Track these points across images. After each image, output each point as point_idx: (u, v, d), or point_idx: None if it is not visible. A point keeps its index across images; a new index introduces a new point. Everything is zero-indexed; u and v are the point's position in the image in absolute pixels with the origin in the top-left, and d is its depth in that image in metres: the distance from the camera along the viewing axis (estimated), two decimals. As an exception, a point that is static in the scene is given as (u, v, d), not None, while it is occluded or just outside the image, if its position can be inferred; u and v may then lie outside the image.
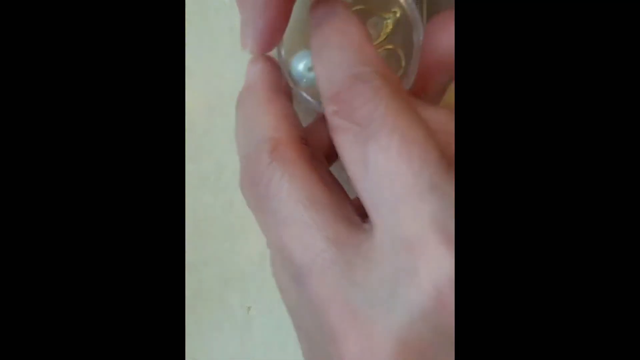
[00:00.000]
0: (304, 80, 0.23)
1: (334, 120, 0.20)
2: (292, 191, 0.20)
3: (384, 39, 0.25)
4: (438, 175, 0.18)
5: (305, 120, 0.23)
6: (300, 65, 0.23)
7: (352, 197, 0.21)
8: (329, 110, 0.20)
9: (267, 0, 0.21)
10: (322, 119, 0.22)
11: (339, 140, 0.20)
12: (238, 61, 0.26)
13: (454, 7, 0.25)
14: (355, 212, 0.20)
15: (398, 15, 0.25)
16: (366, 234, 0.19)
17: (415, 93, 0.24)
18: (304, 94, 0.23)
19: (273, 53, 0.23)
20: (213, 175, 0.28)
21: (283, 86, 0.23)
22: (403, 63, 0.25)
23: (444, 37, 0.23)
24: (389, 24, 0.25)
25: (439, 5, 0.26)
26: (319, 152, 0.22)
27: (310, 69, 0.23)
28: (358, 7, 0.25)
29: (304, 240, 0.19)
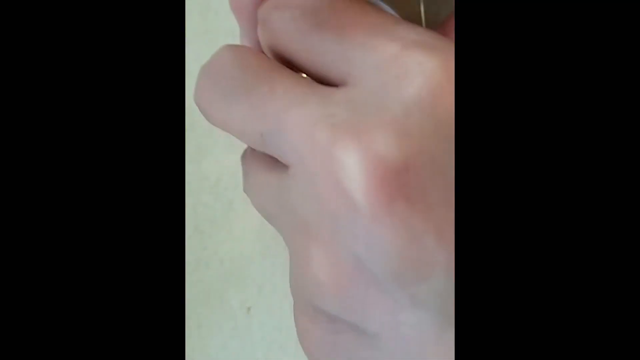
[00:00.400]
0: None
1: (274, 14, 0.19)
2: (259, 62, 0.19)
3: None
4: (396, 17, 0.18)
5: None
6: None
7: None
8: (266, 7, 0.19)
9: None
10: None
11: (285, 28, 0.19)
12: (238, 61, 0.27)
13: (452, 14, 0.25)
14: None
15: None
16: (340, 88, 0.18)
17: None
18: None
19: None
20: (213, 176, 0.28)
21: None
22: None
23: None
24: None
25: (438, 8, 0.26)
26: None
27: None
28: None
29: (275, 93, 0.18)
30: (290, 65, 0.20)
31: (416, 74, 0.16)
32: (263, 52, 0.21)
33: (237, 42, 0.26)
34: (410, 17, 0.26)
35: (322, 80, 0.19)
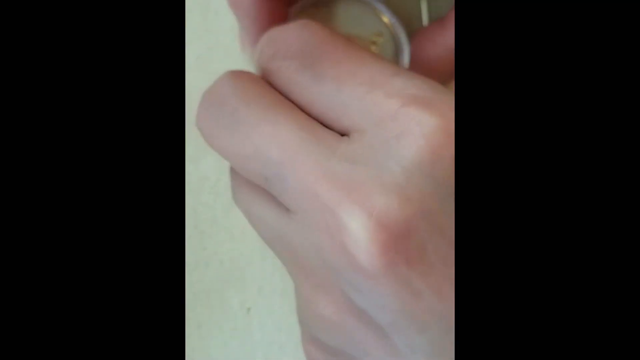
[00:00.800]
0: None
1: (272, 63, 0.19)
2: (263, 95, 0.19)
3: None
4: (396, 68, 0.18)
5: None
6: None
7: None
8: (265, 56, 0.20)
9: (258, 9, 0.21)
10: None
11: (285, 80, 0.19)
12: (238, 61, 0.26)
13: (452, 11, 0.25)
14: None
15: (382, 39, 0.25)
16: (342, 138, 0.18)
17: None
18: None
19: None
20: (213, 176, 0.28)
21: None
22: None
23: (430, 48, 0.23)
24: (375, 49, 0.25)
25: (439, 8, 0.26)
26: None
27: None
28: (345, 35, 0.25)
29: (279, 137, 0.18)
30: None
31: (416, 135, 0.17)
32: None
33: (237, 41, 0.26)
34: (411, 16, 0.26)
35: (324, 124, 0.19)
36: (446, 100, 0.18)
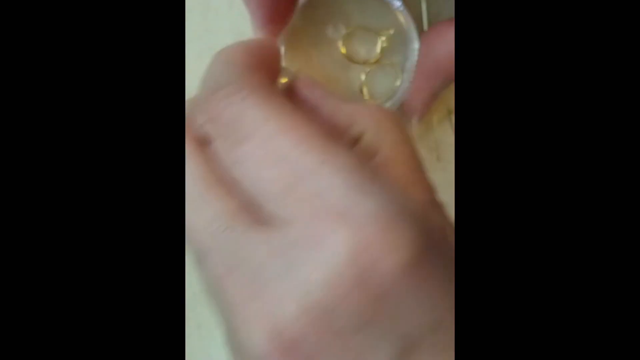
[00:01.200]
0: None
1: (205, 128, 0.20)
2: (199, 176, 0.20)
3: (381, 55, 0.25)
4: (325, 153, 0.18)
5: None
6: None
7: None
8: (200, 122, 0.20)
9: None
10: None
11: (214, 151, 0.20)
12: (238, 61, 0.26)
13: (452, 15, 0.25)
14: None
15: (392, 32, 0.25)
16: (260, 228, 0.19)
17: (410, 100, 0.24)
18: None
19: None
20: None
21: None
22: (398, 78, 0.25)
23: (440, 45, 0.23)
24: (384, 41, 0.25)
25: (439, 8, 0.26)
26: None
27: None
28: (355, 26, 0.25)
29: (203, 216, 0.19)
30: None
31: (324, 256, 0.17)
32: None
33: (237, 40, 0.26)
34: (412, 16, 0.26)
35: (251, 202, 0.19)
36: (372, 211, 0.17)
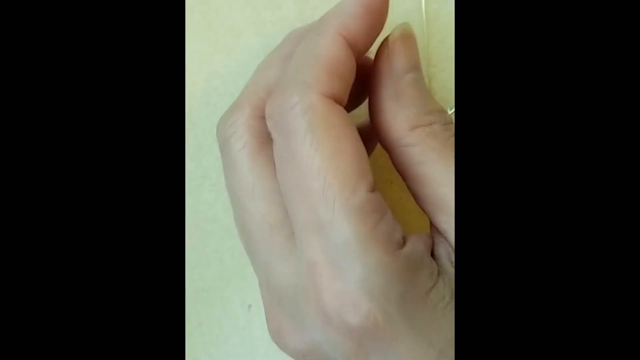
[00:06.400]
0: None
1: (269, 123, 0.21)
2: (244, 175, 0.21)
3: None
4: (335, 212, 0.19)
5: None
6: None
7: None
8: (267, 111, 0.21)
9: None
10: None
11: (273, 145, 0.21)
12: (238, 61, 0.27)
13: (451, 13, 0.25)
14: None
15: None
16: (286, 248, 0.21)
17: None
18: None
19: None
20: (214, 174, 0.28)
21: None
22: None
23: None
24: None
25: (439, 5, 0.26)
26: None
27: None
28: None
29: (247, 225, 0.21)
30: None
31: (316, 310, 0.20)
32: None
33: (237, 41, 0.26)
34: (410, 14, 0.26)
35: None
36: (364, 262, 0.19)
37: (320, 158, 0.19)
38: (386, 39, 0.22)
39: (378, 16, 0.21)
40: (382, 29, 0.21)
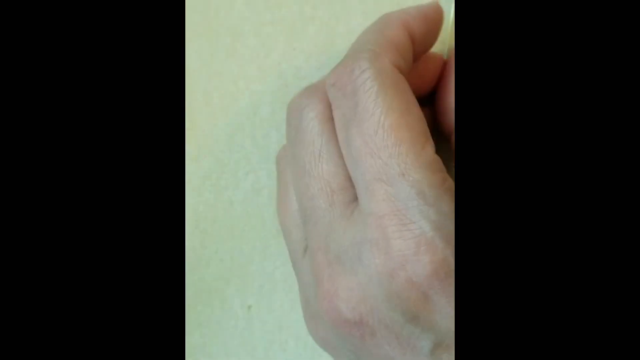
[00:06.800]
0: None
1: (331, 91, 0.22)
2: (313, 139, 0.22)
3: None
4: (408, 164, 0.20)
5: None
6: None
7: None
8: (329, 81, 0.22)
9: None
10: None
11: (333, 114, 0.22)
12: (238, 61, 0.27)
13: (451, 11, 0.25)
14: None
15: None
16: (356, 196, 0.21)
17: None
18: None
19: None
20: (214, 175, 0.28)
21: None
22: None
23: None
24: None
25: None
26: None
27: None
28: None
29: (310, 189, 0.22)
30: None
31: (382, 252, 0.20)
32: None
33: (237, 41, 0.26)
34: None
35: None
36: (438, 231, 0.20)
37: (393, 115, 0.20)
38: None
39: (434, 24, 0.24)
40: (437, 37, 0.24)
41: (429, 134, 0.21)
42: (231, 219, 0.29)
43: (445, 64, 0.25)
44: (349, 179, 0.22)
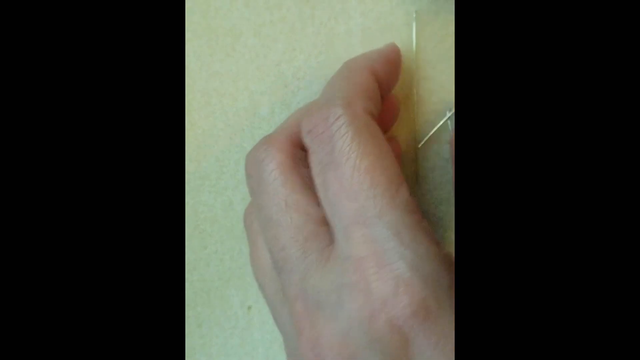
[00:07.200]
0: None
1: (307, 138, 0.22)
2: (277, 190, 0.22)
3: None
4: (384, 206, 0.20)
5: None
6: None
7: None
8: (304, 129, 0.22)
9: None
10: None
11: (309, 160, 0.22)
12: (238, 61, 0.27)
13: (451, 12, 0.25)
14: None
15: None
16: (330, 240, 0.22)
17: None
18: None
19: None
20: (213, 175, 0.28)
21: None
22: None
23: None
24: None
25: (438, 7, 0.26)
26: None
27: None
28: None
29: (281, 239, 0.22)
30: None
31: (362, 297, 0.20)
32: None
33: (237, 41, 0.26)
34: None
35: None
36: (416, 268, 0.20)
37: (368, 159, 0.21)
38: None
39: (395, 65, 0.25)
40: (398, 77, 0.25)
41: (402, 176, 0.21)
42: (231, 220, 0.29)
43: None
44: (321, 223, 0.22)
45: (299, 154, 0.23)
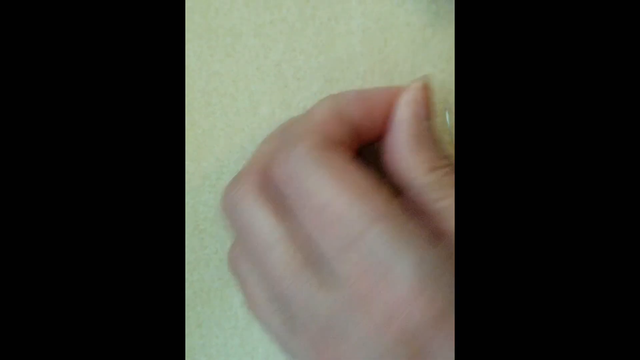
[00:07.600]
0: None
1: (270, 187, 0.22)
2: (261, 227, 0.22)
3: None
4: (365, 223, 0.20)
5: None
6: None
7: None
8: (269, 174, 0.23)
9: None
10: None
11: (280, 203, 0.22)
12: (238, 61, 0.27)
13: (451, 11, 0.25)
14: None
15: None
16: (324, 262, 0.21)
17: None
18: None
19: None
20: (213, 175, 0.28)
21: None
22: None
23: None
24: None
25: (438, 6, 0.26)
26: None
27: None
28: None
29: (274, 275, 0.22)
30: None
31: (370, 317, 0.20)
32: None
33: (237, 41, 0.26)
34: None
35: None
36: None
37: (338, 183, 0.21)
38: (409, 87, 0.24)
39: (376, 109, 0.24)
40: (384, 118, 0.24)
41: (377, 185, 0.21)
42: (231, 219, 0.29)
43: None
44: (311, 252, 0.22)
45: (272, 188, 0.23)
